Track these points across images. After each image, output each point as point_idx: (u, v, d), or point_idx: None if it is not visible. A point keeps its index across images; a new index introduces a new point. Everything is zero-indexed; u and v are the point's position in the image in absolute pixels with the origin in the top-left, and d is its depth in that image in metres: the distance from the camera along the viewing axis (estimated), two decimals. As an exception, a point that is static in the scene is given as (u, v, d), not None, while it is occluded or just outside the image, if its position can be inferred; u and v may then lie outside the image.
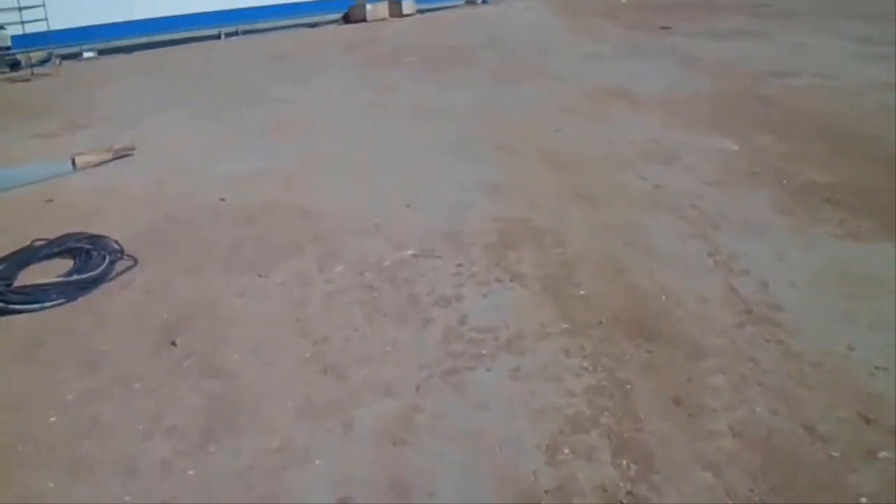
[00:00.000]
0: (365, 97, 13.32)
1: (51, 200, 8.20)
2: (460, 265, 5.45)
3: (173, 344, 4.61)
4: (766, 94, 11.22)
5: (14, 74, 31.61)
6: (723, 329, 4.48)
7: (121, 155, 10.45)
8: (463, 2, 67.67)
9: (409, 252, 5.75)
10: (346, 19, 49.62)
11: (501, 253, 5.65)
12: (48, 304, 5.35)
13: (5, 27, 33.58)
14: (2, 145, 12.51)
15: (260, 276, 5.51)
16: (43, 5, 30.01)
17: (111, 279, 5.72)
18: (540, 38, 22.90)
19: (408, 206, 6.81)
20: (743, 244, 5.77)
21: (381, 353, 4.31)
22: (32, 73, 30.52)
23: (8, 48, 34.28)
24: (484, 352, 4.27)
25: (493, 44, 22.04)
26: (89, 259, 5.99)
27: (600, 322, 4.58)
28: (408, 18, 49.84)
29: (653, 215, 6.40)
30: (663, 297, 4.89)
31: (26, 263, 6.11)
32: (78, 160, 10.17)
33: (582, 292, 5.00)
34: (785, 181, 7.21)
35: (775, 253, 5.60)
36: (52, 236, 6.58)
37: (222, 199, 7.56)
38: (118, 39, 41.49)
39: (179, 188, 8.25)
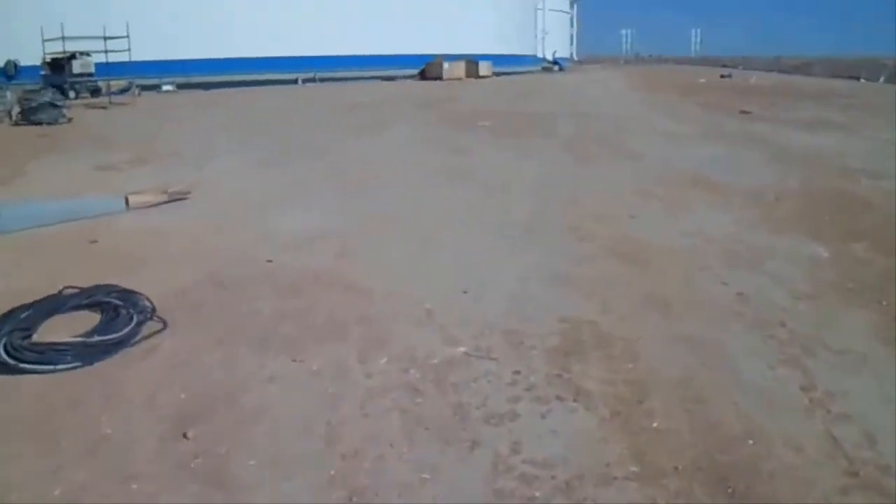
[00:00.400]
0: (435, 159, 12.90)
1: (95, 241, 7.84)
2: (517, 373, 4.78)
3: (185, 437, 4.03)
4: (858, 196, 10.40)
5: (93, 101, 32.33)
6: (823, 496, 3.72)
7: (176, 198, 10.13)
8: (539, 68, 68.08)
9: (462, 349, 5.10)
10: (423, 75, 50.15)
11: (565, 362, 4.96)
12: (62, 366, 4.86)
13: (91, 54, 34.54)
14: (64, 173, 12.41)
15: (294, 361, 4.92)
16: (127, 37, 30.71)
17: (135, 343, 5.21)
18: (617, 111, 22.39)
19: (465, 291, 6.20)
20: (842, 379, 4.98)
21: (417, 482, 3.65)
22: (111, 101, 31.18)
23: (91, 74, 35.20)
24: (537, 495, 3.58)
25: (569, 113, 21.59)
26: (116, 317, 5.50)
27: (676, 468, 3.85)
28: (484, 80, 50.11)
29: (736, 331, 5.66)
30: (750, 442, 4.14)
31: (52, 313, 5.65)
32: (132, 199, 9.86)
33: (655, 424, 4.28)
34: (884, 302, 6.41)
35: (881, 394, 4.80)
36: (85, 284, 6.14)
37: (269, 261, 7.07)
38: (197, 75, 42.37)
39: (228, 242, 7.81)
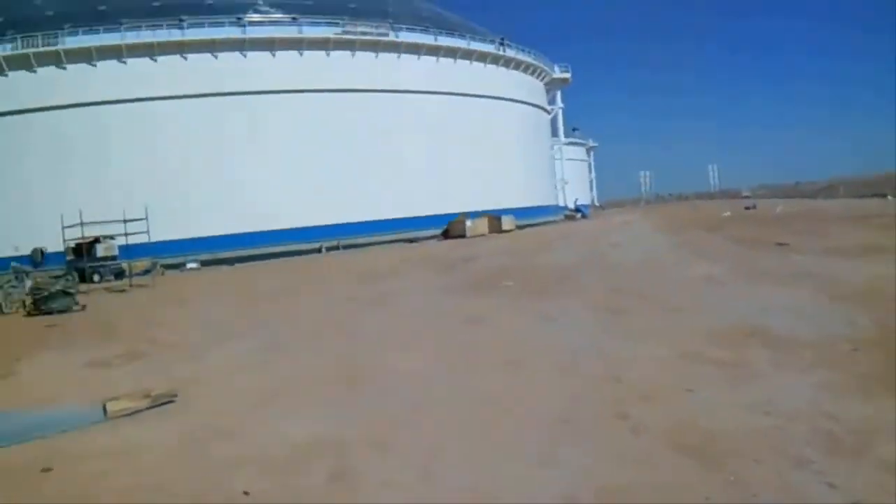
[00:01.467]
0: (451, 334, 11.51)
1: (48, 469, 6.47)
2: None
3: None
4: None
5: (114, 283, 31.83)
6: None
7: (159, 402, 8.78)
8: (562, 216, 67.82)
9: None
10: (446, 235, 49.57)
11: None
12: None
13: (114, 237, 34.40)
14: (54, 372, 11.26)
15: None
16: (146, 219, 30.52)
17: None
18: (645, 256, 21.07)
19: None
20: None
21: None
22: (130, 285, 30.58)
23: (114, 257, 34.95)
24: None
25: (596, 263, 20.33)
26: None
27: None
28: (507, 234, 49.41)
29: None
30: None
31: None
32: (110, 407, 8.57)
33: None
34: None
35: None
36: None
37: (246, 493, 5.58)
38: (221, 251, 42.16)
39: (204, 465, 6.34)
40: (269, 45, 44.16)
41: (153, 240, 40.88)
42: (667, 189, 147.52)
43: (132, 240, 31.67)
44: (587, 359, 8.82)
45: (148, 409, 8.64)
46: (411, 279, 21.73)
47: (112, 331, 15.74)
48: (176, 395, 8.97)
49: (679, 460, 5.43)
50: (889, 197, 49.10)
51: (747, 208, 50.58)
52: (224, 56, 43.53)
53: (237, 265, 39.75)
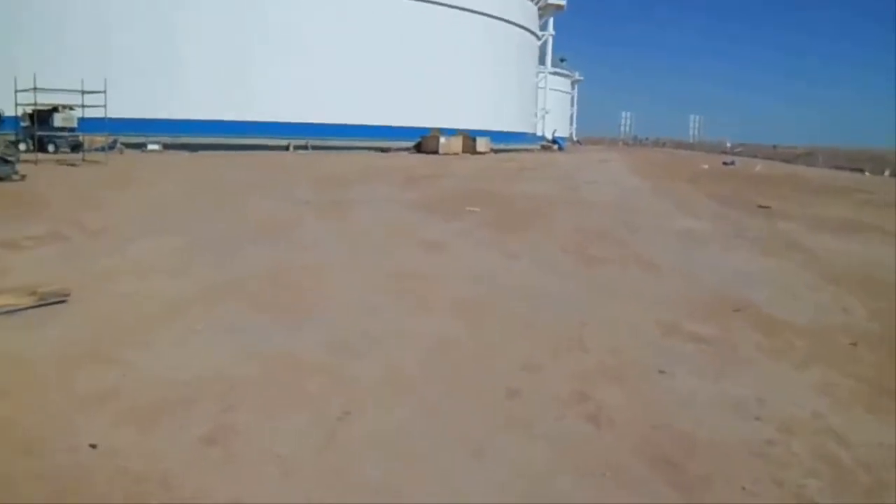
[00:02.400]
0: (404, 259, 10.17)
1: None
2: None
3: None
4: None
5: (66, 156, 29.90)
6: None
7: (46, 302, 7.37)
8: (538, 146, 66.21)
9: None
10: (419, 148, 47.84)
11: None
12: None
13: (74, 108, 32.22)
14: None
15: None
16: (104, 92, 28.41)
17: None
18: (622, 200, 19.79)
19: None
20: None
21: None
22: (83, 159, 28.78)
23: (73, 129, 32.84)
24: None
25: (569, 200, 19.03)
26: None
27: None
28: (481, 156, 47.83)
29: None
30: None
31: None
32: (-12, 301, 7.16)
33: None
34: None
35: None
36: None
37: (93, 447, 4.27)
38: (186, 136, 40.11)
39: (60, 399, 4.99)
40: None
41: (115, 116, 38.98)
42: (646, 133, 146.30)
43: (92, 113, 29.67)
44: (550, 314, 7.53)
45: (30, 307, 7.25)
46: (373, 189, 20.29)
47: (39, 207, 14.22)
48: (68, 295, 7.56)
49: (650, 478, 4.19)
50: (866, 173, 48.30)
51: (726, 164, 49.56)
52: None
53: (200, 152, 37.90)
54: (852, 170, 52.44)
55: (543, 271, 9.68)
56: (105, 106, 28.33)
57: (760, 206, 19.37)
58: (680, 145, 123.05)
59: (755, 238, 13.43)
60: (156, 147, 38.75)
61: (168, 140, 39.10)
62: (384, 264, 9.63)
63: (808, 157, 62.69)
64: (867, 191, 29.25)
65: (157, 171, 25.03)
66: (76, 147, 31.82)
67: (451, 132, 46.27)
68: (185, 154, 36.26)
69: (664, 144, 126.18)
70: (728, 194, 23.14)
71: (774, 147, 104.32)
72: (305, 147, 42.70)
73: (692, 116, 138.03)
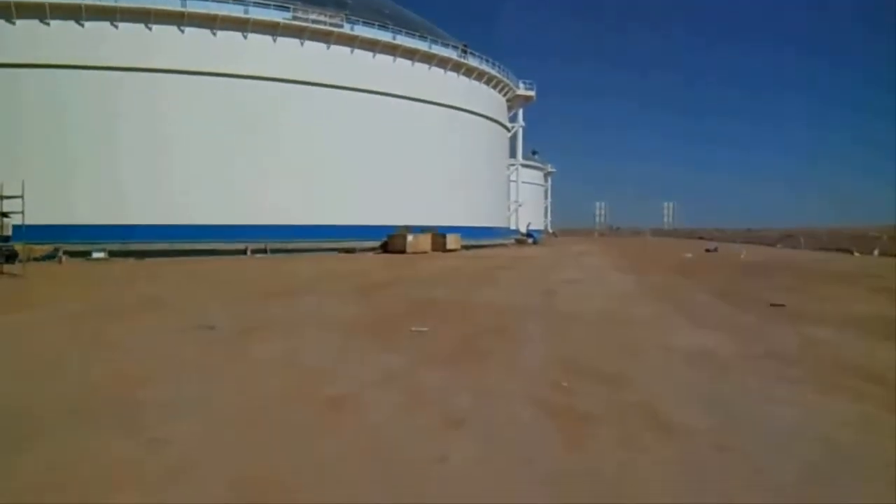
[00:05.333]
0: (288, 433, 6.24)
1: None
2: None
3: None
4: None
5: (-1, 267, 25.94)
6: None
7: None
8: (513, 240, 62.84)
9: None
10: (385, 248, 44.15)
11: None
12: None
13: (9, 215, 28.20)
14: None
15: None
16: (21, 196, 24.62)
17: None
18: (608, 305, 15.96)
19: None
20: None
21: None
22: (2, 272, 24.92)
23: (6, 238, 28.74)
24: None
25: (545, 310, 15.18)
26: None
27: None
28: (452, 253, 44.11)
29: None
30: None
31: None
32: None
33: None
34: None
35: None
36: None
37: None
38: (136, 242, 36.32)
39: None
40: (211, 21, 38.50)
41: (63, 222, 35.16)
42: (620, 221, 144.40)
43: (36, 219, 25.80)
44: None
45: None
46: (310, 304, 16.43)
47: None
48: None
49: None
50: (855, 253, 45.19)
51: (708, 250, 46.44)
52: (159, 30, 37.84)
53: (147, 259, 34.08)
54: (838, 250, 49.38)
55: (498, 458, 5.75)
56: (23, 213, 24.46)
57: (773, 305, 15.69)
58: (656, 232, 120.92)
59: (793, 359, 9.60)
60: (101, 255, 35.00)
61: (116, 247, 35.36)
62: (237, 462, 5.67)
63: (789, 240, 59.75)
64: (874, 275, 25.80)
65: (66, 286, 21.12)
66: (11, 257, 27.79)
67: (418, 229, 42.78)
68: (132, 262, 32.49)
69: (640, 233, 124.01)
70: (728, 289, 19.46)
71: (749, 230, 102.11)
72: (264, 251, 38.97)
73: (665, 203, 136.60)
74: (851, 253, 45.33)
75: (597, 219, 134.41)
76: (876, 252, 44.66)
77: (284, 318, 13.94)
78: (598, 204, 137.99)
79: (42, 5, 35.19)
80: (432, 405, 7.28)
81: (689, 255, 41.37)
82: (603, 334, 11.75)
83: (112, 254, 35.21)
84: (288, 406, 7.28)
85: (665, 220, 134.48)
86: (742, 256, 39.57)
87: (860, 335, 11.79)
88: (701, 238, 78.10)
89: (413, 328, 12.13)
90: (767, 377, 8.49)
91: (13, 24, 35.24)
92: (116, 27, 36.69)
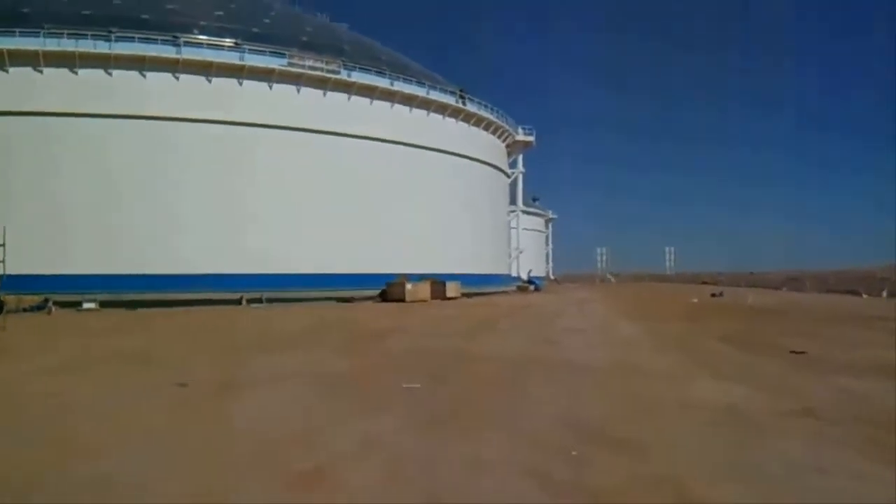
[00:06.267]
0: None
1: None
2: None
3: None
4: None
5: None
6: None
7: None
8: (514, 287, 61.58)
9: None
10: (384, 297, 42.92)
11: None
12: None
13: (-1, 264, 27.02)
14: None
15: None
16: (3, 245, 23.55)
17: None
18: (618, 358, 14.76)
19: None
20: None
21: None
22: (-10, 324, 23.74)
23: (-6, 288, 27.51)
24: None
25: (549, 362, 13.94)
26: None
27: None
28: (452, 301, 42.83)
29: None
30: None
31: None
32: None
33: None
34: None
35: None
36: None
37: None
38: (128, 292, 35.17)
39: None
40: (206, 69, 37.96)
41: (51, 272, 34.22)
42: (621, 267, 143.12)
43: (27, 269, 24.65)
44: None
45: None
46: (298, 357, 15.28)
47: None
48: None
49: None
50: (864, 295, 44.05)
51: (714, 295, 45.24)
52: (154, 76, 37.30)
53: (139, 310, 32.89)
54: (845, 292, 48.23)
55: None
56: (4, 262, 23.33)
57: (794, 352, 14.53)
58: (656, 278, 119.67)
59: (832, 417, 8.41)
60: (92, 305, 33.86)
61: (108, 297, 34.22)
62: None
63: (793, 283, 58.58)
64: (889, 318, 24.65)
65: (48, 338, 19.99)
66: (-1, 307, 26.63)
67: (416, 277, 41.65)
68: (124, 312, 31.36)
69: (642, 279, 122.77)
70: (743, 336, 18.27)
71: (751, 273, 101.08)
72: (260, 300, 37.78)
73: (667, 248, 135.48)
74: (860, 295, 44.19)
75: (599, 264, 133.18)
76: (884, 293, 43.54)
77: (268, 373, 12.77)
78: (599, 250, 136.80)
79: (36, 53, 34.74)
80: (415, 483, 6.10)
81: (696, 300, 40.17)
82: (613, 390, 10.56)
83: (103, 304, 34.10)
84: (247, 483, 6.10)
85: (667, 264, 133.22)
86: (749, 301, 38.36)
87: (881, 381, 10.64)
88: (704, 283, 76.81)
89: (404, 384, 10.97)
90: (808, 440, 7.30)
91: (6, 71, 34.75)
92: (111, 74, 36.15)
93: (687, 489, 5.73)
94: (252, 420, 8.78)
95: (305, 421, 8.70)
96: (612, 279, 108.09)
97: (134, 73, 36.59)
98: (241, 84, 38.74)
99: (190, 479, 6.23)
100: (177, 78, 37.40)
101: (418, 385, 10.94)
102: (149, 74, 36.81)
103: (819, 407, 8.94)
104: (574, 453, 6.90)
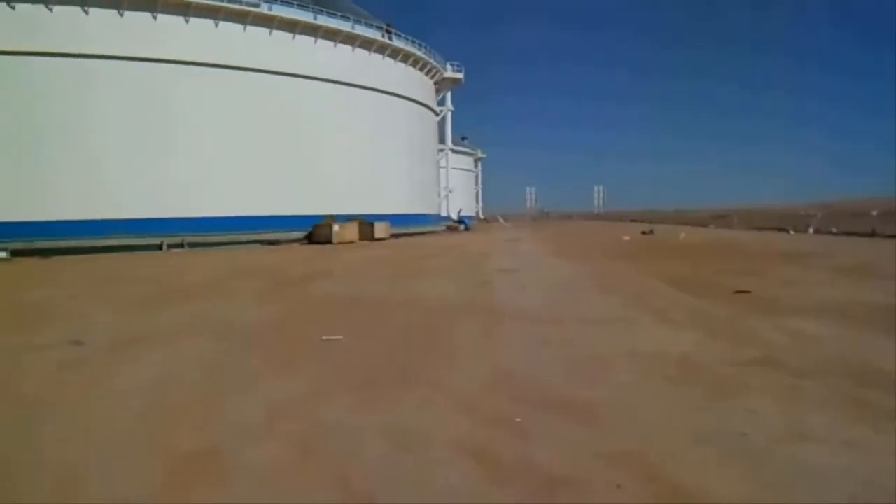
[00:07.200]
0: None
1: None
2: None
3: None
4: None
5: None
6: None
7: None
8: (444, 227, 60.62)
9: None
10: (310, 239, 41.45)
11: None
12: None
13: None
14: None
15: None
16: None
17: None
18: (554, 301, 13.90)
19: None
20: None
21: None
22: None
23: None
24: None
25: (481, 306, 12.94)
26: None
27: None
28: (381, 243, 41.68)
29: None
30: None
31: None
32: None
33: None
34: None
35: None
36: None
37: None
38: (41, 240, 32.84)
39: None
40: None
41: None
42: (551, 206, 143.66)
43: None
44: None
45: None
46: (215, 306, 13.96)
47: None
48: None
49: None
50: (791, 231, 44.59)
51: (645, 233, 45.17)
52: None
53: (53, 258, 30.64)
54: (772, 229, 48.83)
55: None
56: None
57: (738, 292, 13.89)
58: (587, 217, 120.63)
59: (797, 367, 7.61)
60: (2, 255, 31.48)
61: (21, 245, 31.83)
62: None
63: (721, 219, 59.20)
64: (821, 254, 24.54)
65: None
66: None
67: (344, 218, 40.19)
68: (36, 261, 29.19)
69: (571, 217, 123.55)
70: (680, 274, 17.63)
71: (678, 211, 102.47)
72: (181, 245, 35.86)
73: (596, 187, 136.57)
74: (787, 231, 44.71)
75: (528, 204, 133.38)
76: (811, 230, 44.12)
77: (175, 326, 11.39)
78: (528, 189, 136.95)
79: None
80: (327, 462, 4.98)
81: (627, 238, 39.88)
82: (553, 340, 9.58)
83: (15, 253, 31.72)
84: (112, 475, 4.87)
85: (596, 203, 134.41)
86: (681, 238, 38.25)
87: (850, 327, 9.98)
88: (633, 220, 77.35)
89: (323, 337, 9.80)
90: (779, 397, 6.44)
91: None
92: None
93: (657, 468, 4.76)
94: (144, 385, 7.49)
95: (206, 385, 7.48)
96: (504, 222, 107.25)
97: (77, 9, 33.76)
98: (155, 18, 35.97)
99: (44, 470, 4.97)
100: (86, 12, 34.45)
101: (340, 337, 9.79)
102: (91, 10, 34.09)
103: (779, 356, 8.13)
104: (518, 420, 5.89)
